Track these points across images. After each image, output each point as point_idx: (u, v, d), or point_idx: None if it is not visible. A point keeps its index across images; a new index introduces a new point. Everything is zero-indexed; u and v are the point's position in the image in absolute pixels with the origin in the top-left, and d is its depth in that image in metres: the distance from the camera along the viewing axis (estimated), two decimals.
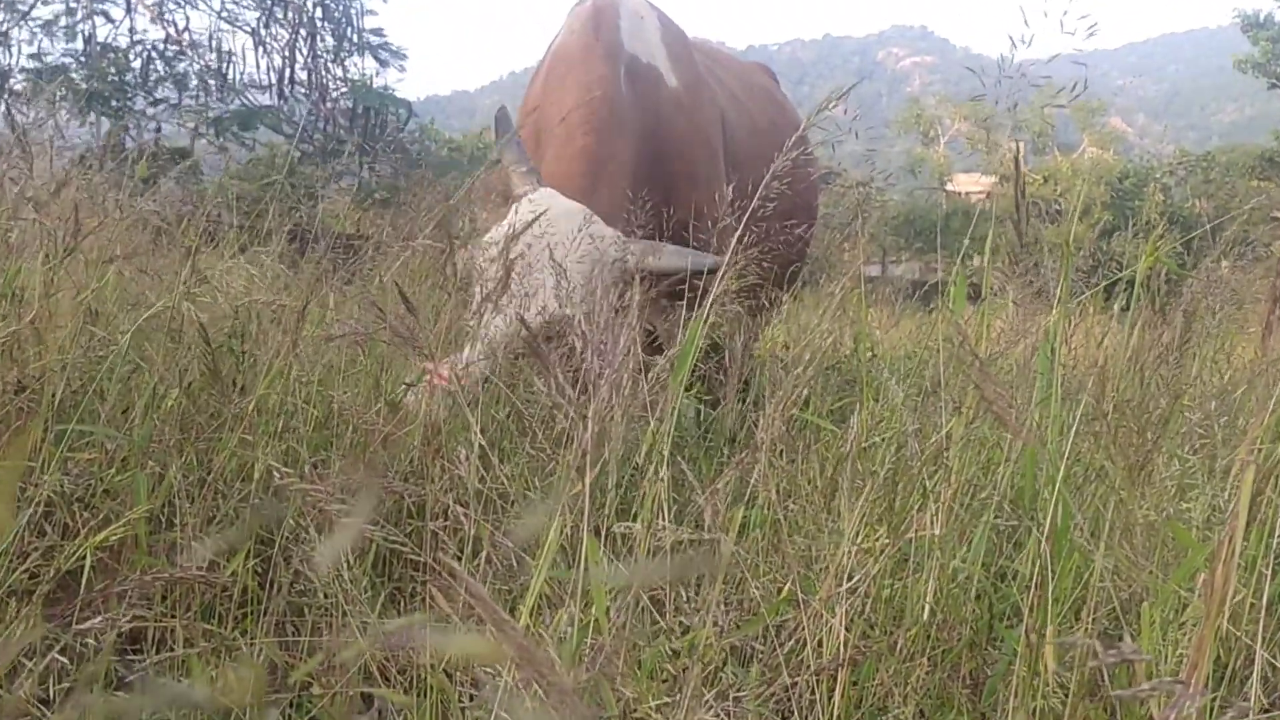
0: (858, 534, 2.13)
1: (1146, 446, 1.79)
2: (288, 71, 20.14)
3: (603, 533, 2.25)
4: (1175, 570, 1.87)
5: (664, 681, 2.03)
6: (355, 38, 21.02)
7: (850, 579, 2.06)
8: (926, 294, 6.02)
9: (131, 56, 19.44)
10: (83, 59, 18.83)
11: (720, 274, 2.60)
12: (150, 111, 19.51)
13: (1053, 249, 2.70)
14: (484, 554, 2.30)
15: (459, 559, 2.35)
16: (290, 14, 20.05)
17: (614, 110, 4.21)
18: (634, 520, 2.22)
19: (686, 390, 2.64)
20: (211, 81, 19.91)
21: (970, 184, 46.23)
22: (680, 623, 2.11)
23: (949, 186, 42.40)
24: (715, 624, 1.98)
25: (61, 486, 2.36)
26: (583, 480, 2.00)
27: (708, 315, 2.52)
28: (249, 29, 19.95)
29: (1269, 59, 34.76)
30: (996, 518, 2.23)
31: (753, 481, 2.38)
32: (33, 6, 18.40)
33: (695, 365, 2.89)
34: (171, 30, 19.53)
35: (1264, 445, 1.71)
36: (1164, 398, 2.01)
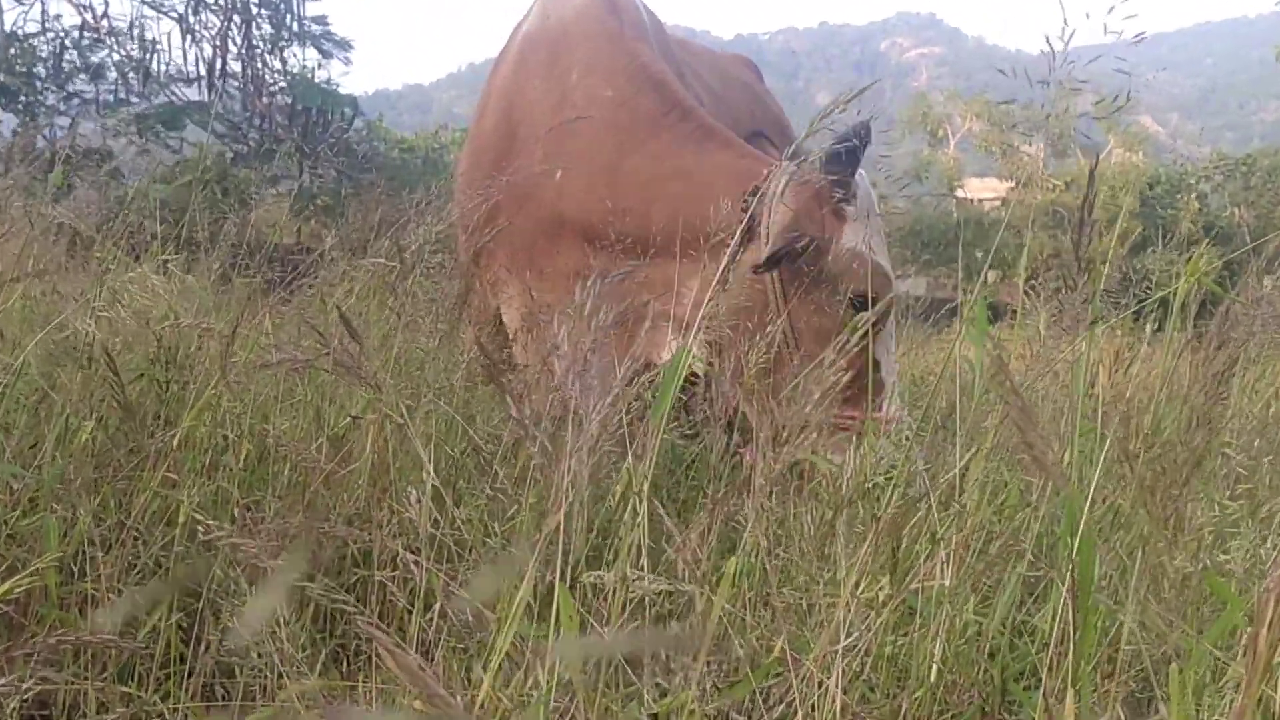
0: (857, 584, 2.13)
1: (1177, 490, 1.79)
2: (219, 63, 20.12)
3: (570, 582, 2.24)
4: (1211, 627, 1.87)
5: None
6: (295, 26, 21.01)
7: (848, 635, 2.06)
8: (937, 313, 6.04)
9: (42, 45, 19.37)
10: None
11: (708, 295, 2.60)
12: (64, 108, 19.44)
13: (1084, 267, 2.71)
14: (437, 607, 2.29)
15: (409, 613, 2.34)
16: None
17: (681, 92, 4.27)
18: (607, 569, 2.22)
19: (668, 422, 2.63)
20: (133, 74, 19.87)
21: (983, 190, 46.37)
22: (658, 685, 2.10)
23: (960, 193, 42.50)
24: (697, 687, 1.98)
25: None
26: (556, 524, 1.99)
27: (695, 338, 2.52)
28: (175, 15, 19.91)
29: None
30: (1017, 568, 2.23)
31: (748, 525, 2.39)
32: None
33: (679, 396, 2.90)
34: (88, 16, 19.49)
35: None
36: (1199, 434, 2.01)
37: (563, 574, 2.09)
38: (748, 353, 2.94)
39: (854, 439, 2.97)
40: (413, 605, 2.32)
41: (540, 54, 4.50)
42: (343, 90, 22.08)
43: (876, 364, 3.71)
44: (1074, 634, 1.81)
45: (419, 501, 2.38)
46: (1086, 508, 1.86)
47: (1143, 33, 2.58)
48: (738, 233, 3.64)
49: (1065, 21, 2.65)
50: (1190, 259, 2.27)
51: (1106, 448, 1.94)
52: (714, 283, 3.56)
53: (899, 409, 3.46)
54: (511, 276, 4.34)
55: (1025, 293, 3.36)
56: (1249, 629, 1.27)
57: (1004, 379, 1.58)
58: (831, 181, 3.74)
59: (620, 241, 3.85)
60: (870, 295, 3.67)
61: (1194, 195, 39.59)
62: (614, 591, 2.13)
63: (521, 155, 4.29)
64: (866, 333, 3.65)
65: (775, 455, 2.48)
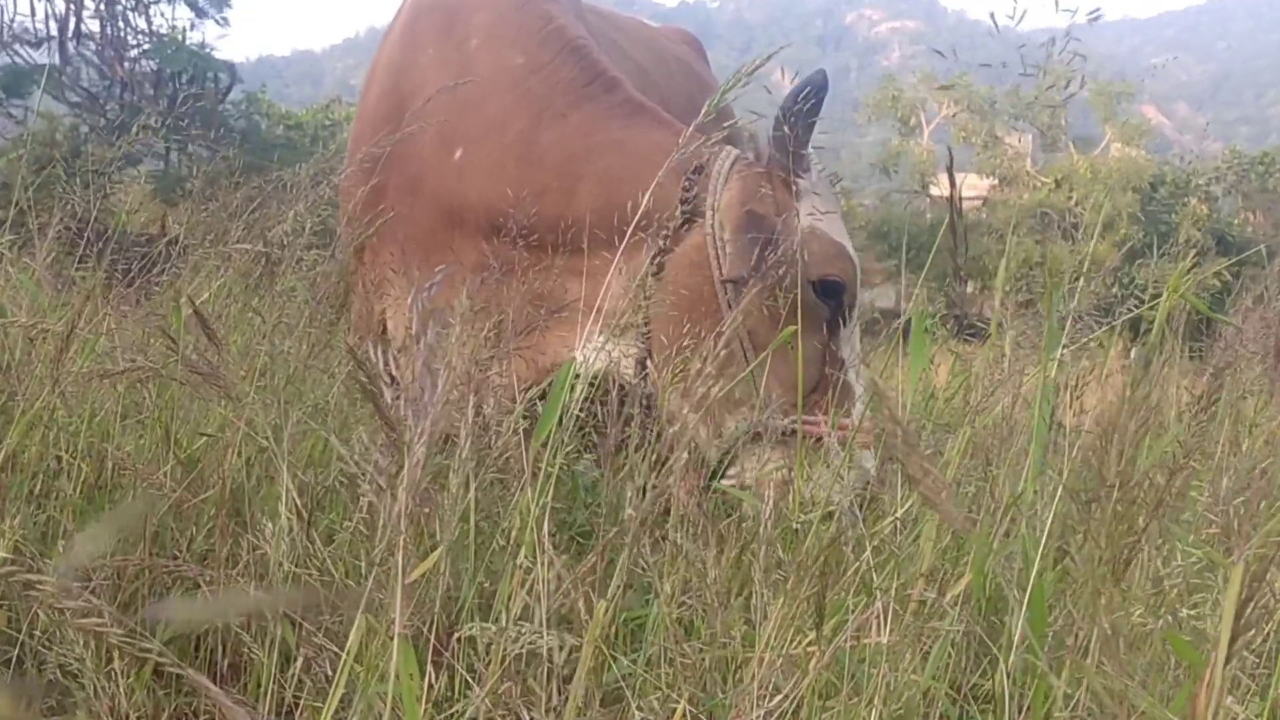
0: (779, 640, 2.14)
1: (1134, 536, 1.81)
2: (73, 22, 19.93)
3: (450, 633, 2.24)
4: (1179, 692, 1.90)
5: None
6: None
7: (769, 700, 2.07)
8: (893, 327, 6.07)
9: None
10: None
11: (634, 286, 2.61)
12: None
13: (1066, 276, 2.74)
14: (299, 660, 2.29)
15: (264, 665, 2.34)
16: None
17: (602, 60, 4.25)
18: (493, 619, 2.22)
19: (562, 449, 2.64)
20: None
21: (962, 188, 46.49)
22: None
23: (933, 190, 42.61)
24: None
25: None
26: (430, 566, 2.00)
27: (598, 349, 2.53)
28: None
29: None
30: (957, 624, 2.25)
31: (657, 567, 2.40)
32: None
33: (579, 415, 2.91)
34: None
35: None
36: (1161, 474, 2.04)
37: (438, 624, 2.09)
38: (690, 352, 2.92)
39: (823, 449, 2.98)
40: (269, 657, 2.31)
41: (433, 18, 4.49)
42: (219, 55, 21.94)
43: (840, 364, 3.73)
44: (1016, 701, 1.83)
45: (275, 536, 2.37)
46: (1039, 556, 1.89)
47: (1098, 10, 2.62)
48: (677, 214, 3.67)
49: None
50: (1177, 272, 2.30)
51: (1059, 488, 1.97)
52: (643, 272, 3.57)
53: (869, 420, 3.47)
54: (399, 276, 4.30)
55: (1002, 306, 3.39)
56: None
57: (883, 405, 1.60)
58: (781, 149, 3.78)
59: (533, 230, 3.81)
60: (838, 279, 3.70)
61: (1201, 197, 39.91)
62: (496, 648, 2.14)
63: (414, 134, 4.24)
64: (835, 326, 3.67)
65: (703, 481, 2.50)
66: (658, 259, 3.70)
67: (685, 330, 3.42)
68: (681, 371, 2.95)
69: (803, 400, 3.26)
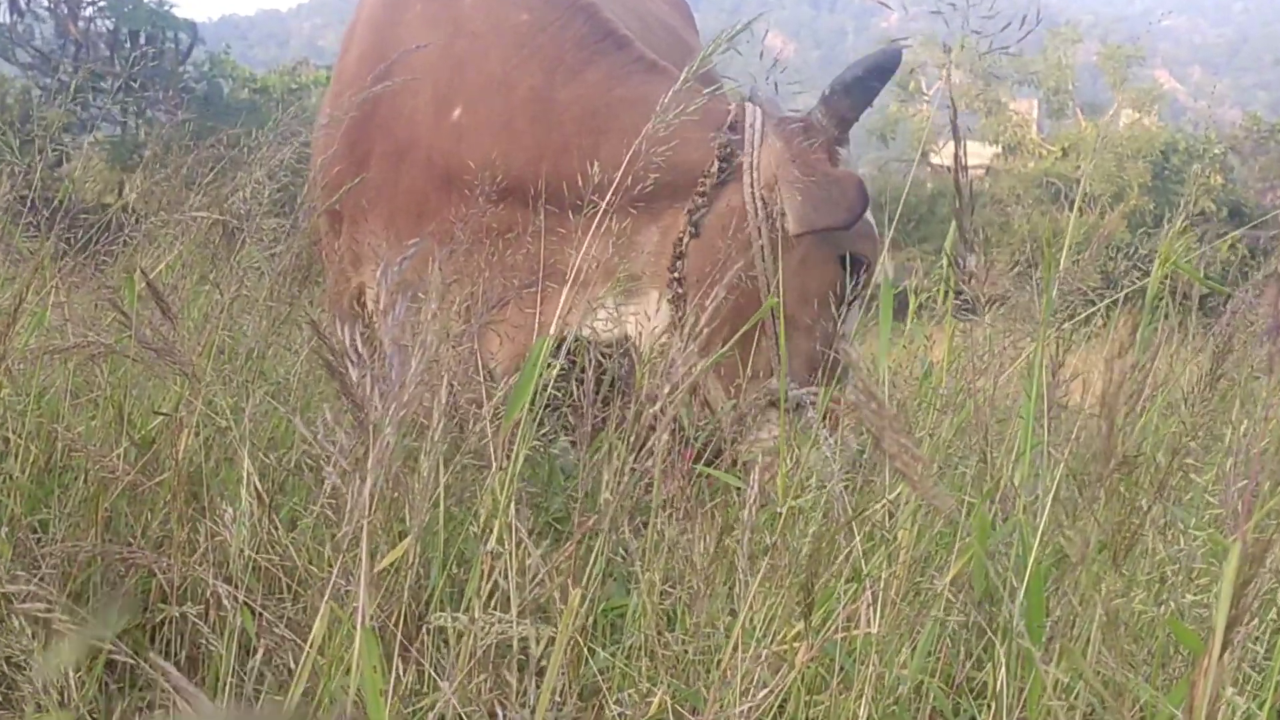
0: (764, 632, 2.15)
1: (1136, 521, 1.82)
2: None
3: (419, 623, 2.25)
4: (1179, 682, 1.91)
5: None
6: None
7: (752, 695, 2.07)
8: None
9: None
10: None
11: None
12: None
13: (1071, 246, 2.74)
14: (259, 652, 2.29)
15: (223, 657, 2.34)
16: None
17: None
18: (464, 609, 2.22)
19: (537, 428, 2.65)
20: None
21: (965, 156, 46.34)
22: None
23: (934, 158, 42.53)
24: None
25: None
26: (400, 554, 2.00)
27: (579, 324, 2.53)
28: None
29: None
30: (949, 613, 2.26)
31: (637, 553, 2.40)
32: None
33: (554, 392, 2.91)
34: None
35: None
36: (1164, 454, 2.05)
37: (406, 614, 2.10)
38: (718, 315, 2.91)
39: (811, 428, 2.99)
40: (229, 648, 2.31)
41: None
42: (179, 14, 21.86)
43: (844, 339, 3.75)
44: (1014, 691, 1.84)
45: (235, 521, 2.37)
46: (1037, 541, 1.89)
47: None
48: (714, 172, 3.68)
49: None
50: (1166, 239, 2.31)
51: (1059, 470, 1.98)
52: (681, 232, 3.58)
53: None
54: (385, 247, 4.26)
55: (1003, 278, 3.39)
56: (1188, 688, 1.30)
57: (858, 378, 1.60)
58: (832, 116, 3.80)
59: (551, 190, 3.78)
60: (861, 256, 3.72)
61: (1217, 167, 39.85)
62: (466, 638, 2.14)
63: (401, 95, 4.21)
64: (854, 301, 3.69)
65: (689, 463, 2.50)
66: (694, 218, 3.72)
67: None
68: (662, 350, 2.95)
69: (815, 375, 3.27)
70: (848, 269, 3.72)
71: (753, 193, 3.72)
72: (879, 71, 3.75)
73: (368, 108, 4.17)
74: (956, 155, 3.12)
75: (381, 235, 4.26)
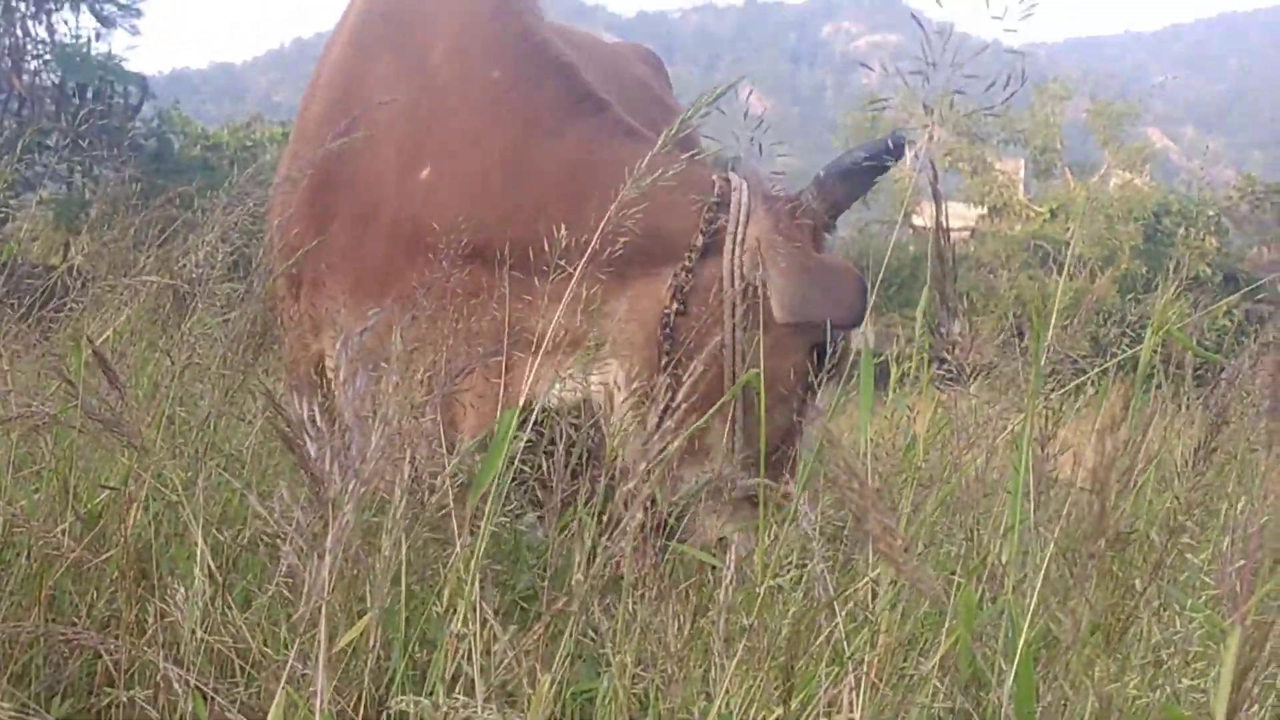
0: (741, 717, 2.15)
1: (1130, 601, 1.83)
2: None
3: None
4: None
5: None
6: None
7: None
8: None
9: None
10: None
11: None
12: None
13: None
14: None
15: None
16: None
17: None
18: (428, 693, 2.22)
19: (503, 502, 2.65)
20: None
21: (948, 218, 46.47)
22: None
23: (917, 220, 42.62)
24: None
25: None
26: (359, 633, 2.00)
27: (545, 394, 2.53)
28: None
29: None
30: (934, 699, 2.26)
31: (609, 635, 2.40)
32: None
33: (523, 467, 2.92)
34: None
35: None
36: (1158, 531, 2.06)
37: (366, 698, 2.09)
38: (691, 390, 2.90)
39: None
40: None
41: (387, 26, 4.46)
42: (129, 68, 21.88)
43: (817, 415, 3.74)
44: None
45: (186, 600, 2.36)
46: (1027, 622, 1.90)
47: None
48: (698, 245, 3.68)
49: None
50: (1160, 306, 2.33)
51: (1049, 549, 1.99)
52: (665, 306, 3.59)
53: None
54: (346, 313, 4.23)
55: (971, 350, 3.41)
56: None
57: (839, 456, 1.61)
58: (823, 198, 3.80)
59: (523, 252, 3.76)
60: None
61: (1211, 230, 40.00)
62: None
63: (365, 154, 4.18)
64: (819, 385, 3.69)
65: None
66: (680, 290, 3.73)
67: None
68: (640, 421, 2.95)
69: (775, 454, 3.28)
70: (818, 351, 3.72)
71: (733, 269, 3.72)
72: (879, 158, 3.75)
73: (330, 166, 4.14)
74: (937, 219, 3.15)
75: (342, 300, 4.21)
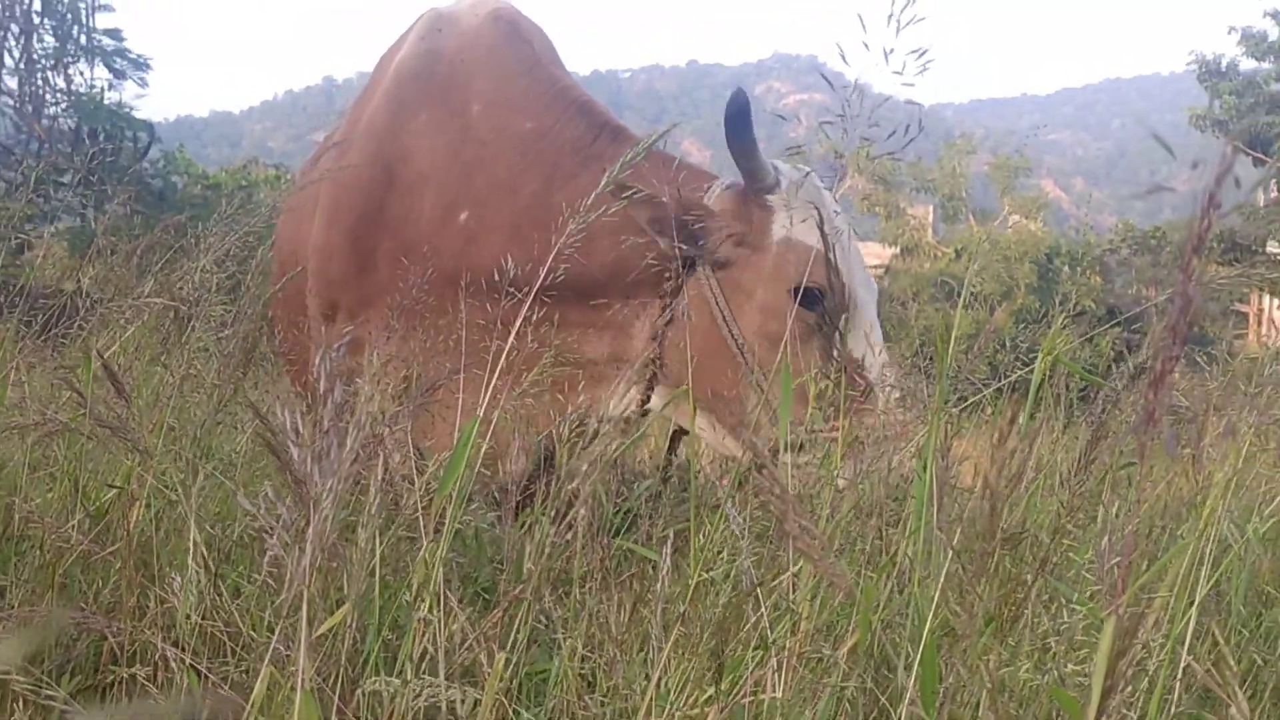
0: (677, 695, 2.15)
1: (1020, 594, 1.84)
2: None
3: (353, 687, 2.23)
4: None
5: None
6: (84, 39, 20.69)
7: None
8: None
9: None
10: None
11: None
12: None
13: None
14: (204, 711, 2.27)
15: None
16: None
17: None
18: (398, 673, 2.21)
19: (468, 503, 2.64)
20: None
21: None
22: None
23: None
24: None
25: None
26: (338, 620, 1.99)
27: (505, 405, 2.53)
28: None
29: (1232, 115, 35.57)
30: (847, 680, 2.26)
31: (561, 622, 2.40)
32: None
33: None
34: None
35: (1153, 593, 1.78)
36: (1045, 532, 2.08)
37: (342, 678, 2.08)
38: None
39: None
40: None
41: (425, 84, 4.48)
42: (138, 115, 21.77)
43: (858, 365, 3.75)
44: None
45: (182, 588, 2.35)
46: (931, 613, 1.90)
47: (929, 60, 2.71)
48: (678, 265, 3.72)
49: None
50: (1050, 336, 2.34)
51: (948, 550, 1.99)
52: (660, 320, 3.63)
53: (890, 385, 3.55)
54: (387, 342, 4.19)
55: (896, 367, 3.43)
56: None
57: (762, 464, 1.62)
58: (741, 167, 3.90)
59: (551, 289, 3.76)
60: (817, 286, 3.71)
61: (1096, 269, 40.27)
62: (400, 700, 2.13)
63: (407, 199, 4.27)
64: (832, 333, 3.68)
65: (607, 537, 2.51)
66: (669, 307, 3.79)
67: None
68: (579, 429, 2.96)
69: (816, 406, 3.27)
70: (810, 302, 3.72)
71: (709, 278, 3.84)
72: (736, 106, 3.81)
73: (374, 207, 4.25)
74: (827, 258, 3.17)
75: (381, 329, 4.22)
